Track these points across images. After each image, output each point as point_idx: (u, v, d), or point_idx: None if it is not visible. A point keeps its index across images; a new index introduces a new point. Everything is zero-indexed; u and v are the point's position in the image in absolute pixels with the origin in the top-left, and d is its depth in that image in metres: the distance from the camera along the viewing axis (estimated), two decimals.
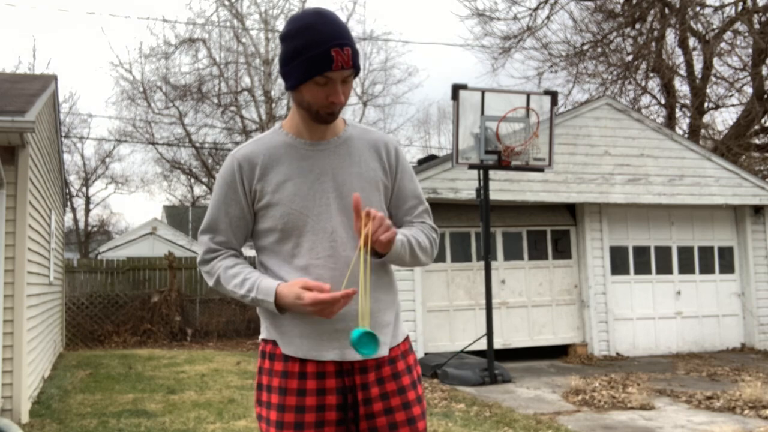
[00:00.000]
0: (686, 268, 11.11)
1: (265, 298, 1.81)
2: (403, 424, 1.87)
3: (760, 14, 16.32)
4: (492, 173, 8.88)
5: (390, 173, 1.99)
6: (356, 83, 20.28)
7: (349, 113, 21.22)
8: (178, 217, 32.64)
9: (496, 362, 8.32)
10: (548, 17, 17.27)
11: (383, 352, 1.89)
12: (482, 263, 9.06)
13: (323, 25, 1.76)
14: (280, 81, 20.52)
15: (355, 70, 1.81)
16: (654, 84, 17.78)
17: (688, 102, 17.23)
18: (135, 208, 56.22)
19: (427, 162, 12.04)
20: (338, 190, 1.89)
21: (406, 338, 2.02)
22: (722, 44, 16.33)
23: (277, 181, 1.88)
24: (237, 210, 1.91)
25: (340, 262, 1.85)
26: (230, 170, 1.91)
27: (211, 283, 1.95)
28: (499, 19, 18.07)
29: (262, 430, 1.90)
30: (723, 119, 30.87)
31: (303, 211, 1.86)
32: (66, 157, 27.10)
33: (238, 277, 1.88)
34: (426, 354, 9.46)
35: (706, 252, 11.26)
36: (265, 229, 1.91)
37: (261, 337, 1.97)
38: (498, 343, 9.48)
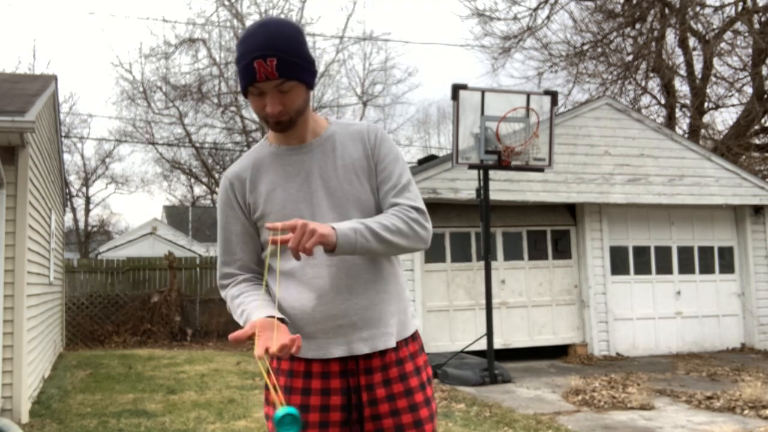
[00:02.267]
0: (686, 268, 11.11)
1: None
2: (410, 426, 1.88)
3: (760, 14, 16.32)
4: (492, 173, 8.88)
5: (372, 158, 1.96)
6: (356, 83, 20.26)
7: (349, 113, 21.21)
8: (178, 217, 32.65)
9: (496, 362, 8.32)
10: (548, 17, 17.28)
11: (390, 343, 1.90)
12: (482, 263, 9.06)
13: (255, 36, 1.78)
14: None
15: (290, 78, 1.78)
16: (654, 84, 17.80)
17: (688, 102, 17.23)
18: (135, 208, 56.23)
19: (427, 162, 12.05)
20: (326, 187, 1.90)
21: (417, 339, 2.02)
22: (722, 44, 16.33)
23: (267, 191, 1.91)
24: (239, 226, 1.96)
25: (335, 258, 1.86)
26: (224, 190, 1.98)
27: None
28: (499, 19, 18.12)
29: (269, 428, 1.92)
30: (723, 119, 30.87)
31: (295, 213, 1.88)
32: (66, 157, 27.10)
33: (239, 309, 1.89)
34: (426, 354, 9.45)
35: (706, 252, 11.26)
36: (266, 240, 1.92)
37: None
38: (498, 343, 9.48)
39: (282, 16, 19.41)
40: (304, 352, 1.88)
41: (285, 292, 1.89)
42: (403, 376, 1.92)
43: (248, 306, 1.84)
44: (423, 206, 1.94)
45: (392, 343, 1.90)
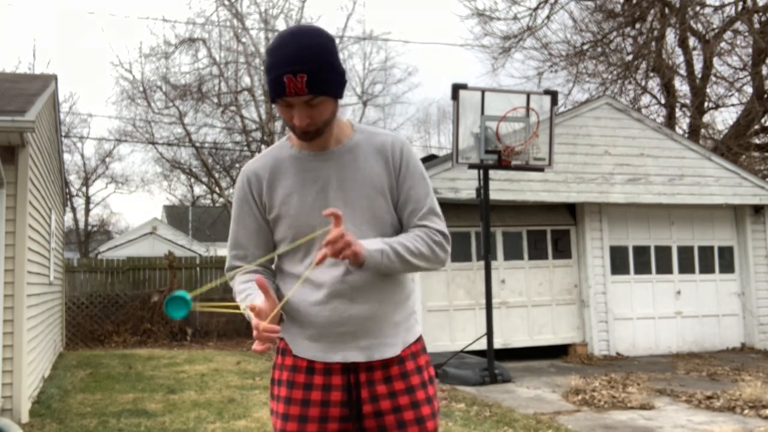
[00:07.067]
0: (686, 267, 11.10)
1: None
2: (412, 423, 1.90)
3: (760, 14, 16.32)
4: (492, 173, 8.87)
5: (394, 175, 1.94)
6: (356, 83, 20.26)
7: (349, 113, 21.22)
8: (178, 216, 32.66)
9: (496, 362, 8.32)
10: (548, 17, 17.28)
11: (387, 353, 1.91)
12: (482, 263, 9.06)
13: (285, 48, 1.75)
14: None
15: (318, 94, 1.76)
16: (654, 84, 17.79)
17: (688, 102, 17.22)
18: (135, 208, 56.27)
19: (427, 162, 12.04)
20: (343, 198, 1.90)
21: (419, 339, 2.03)
22: (722, 44, 16.33)
23: (283, 194, 1.92)
24: (253, 222, 1.98)
25: (340, 264, 1.88)
26: (241, 185, 1.99)
27: None
28: (499, 18, 18.11)
29: (272, 422, 1.97)
30: (723, 119, 30.84)
31: (310, 222, 1.89)
32: (66, 157, 27.11)
33: (242, 295, 1.93)
34: (428, 355, 9.44)
35: (706, 252, 11.25)
36: (278, 240, 1.97)
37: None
38: (498, 343, 9.47)
39: (282, 15, 19.39)
40: (304, 352, 1.91)
41: (289, 292, 1.93)
42: (404, 374, 1.93)
43: (251, 292, 1.90)
44: (446, 230, 1.97)
45: (390, 354, 1.91)
